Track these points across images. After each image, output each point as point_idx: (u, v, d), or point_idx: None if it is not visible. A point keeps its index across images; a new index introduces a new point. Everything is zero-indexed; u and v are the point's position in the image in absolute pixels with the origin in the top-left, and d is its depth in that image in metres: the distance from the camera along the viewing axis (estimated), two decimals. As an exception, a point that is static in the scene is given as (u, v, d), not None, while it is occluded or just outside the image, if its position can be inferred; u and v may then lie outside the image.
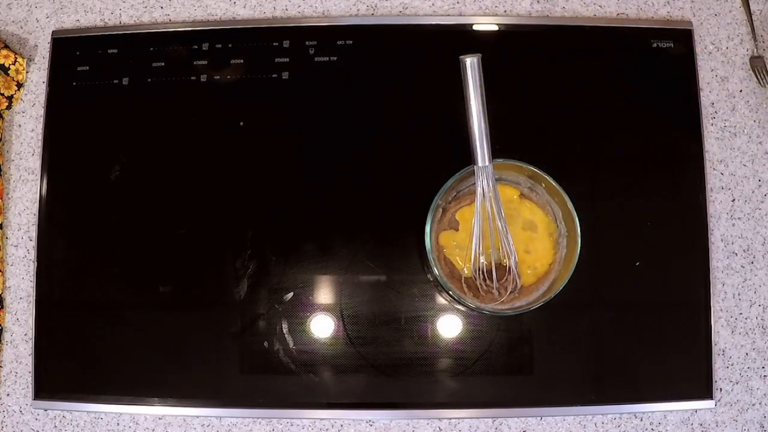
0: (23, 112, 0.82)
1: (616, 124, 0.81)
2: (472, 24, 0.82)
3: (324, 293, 0.78)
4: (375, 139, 0.81)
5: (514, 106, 0.80)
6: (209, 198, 0.80)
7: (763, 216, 0.80)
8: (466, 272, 0.72)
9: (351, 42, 0.82)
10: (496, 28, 0.82)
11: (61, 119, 0.81)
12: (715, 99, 0.82)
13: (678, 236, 0.79)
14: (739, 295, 0.79)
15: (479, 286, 0.71)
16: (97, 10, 0.84)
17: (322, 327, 0.77)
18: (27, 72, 0.82)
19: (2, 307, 0.79)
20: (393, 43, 0.82)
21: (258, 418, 0.76)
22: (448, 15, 0.83)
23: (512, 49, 0.82)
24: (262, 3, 0.84)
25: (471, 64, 0.66)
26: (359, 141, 0.80)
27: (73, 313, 0.78)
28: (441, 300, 0.77)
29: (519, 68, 0.82)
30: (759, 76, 0.82)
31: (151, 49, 0.82)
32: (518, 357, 0.77)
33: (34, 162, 0.81)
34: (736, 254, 0.79)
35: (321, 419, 0.76)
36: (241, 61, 0.81)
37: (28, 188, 0.81)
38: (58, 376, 0.77)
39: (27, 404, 0.77)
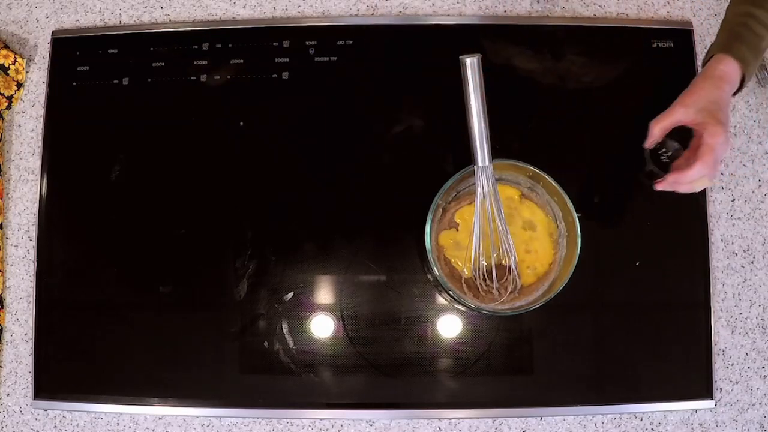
0: (23, 112, 0.82)
1: (616, 124, 0.81)
2: (472, 24, 0.82)
3: (324, 293, 0.78)
4: (375, 139, 0.80)
5: (515, 106, 0.80)
6: (209, 198, 0.80)
7: (763, 216, 0.80)
8: (466, 272, 0.72)
9: (351, 42, 0.82)
10: (496, 28, 0.82)
11: (61, 119, 0.81)
12: (715, 99, 0.82)
13: (678, 236, 0.79)
14: (739, 295, 0.79)
15: (479, 286, 0.71)
16: (97, 10, 0.84)
17: (322, 327, 0.77)
18: (27, 72, 0.82)
19: (2, 307, 0.79)
20: (393, 43, 0.82)
21: (258, 418, 0.76)
22: (448, 15, 0.83)
23: (512, 50, 0.82)
24: (262, 3, 0.84)
25: (471, 64, 0.66)
26: (359, 141, 0.80)
27: (73, 313, 0.78)
28: (441, 300, 0.77)
29: (519, 68, 0.82)
30: (759, 76, 0.81)
31: (151, 49, 0.82)
32: (518, 357, 0.77)
33: (34, 162, 0.81)
34: (736, 254, 0.79)
35: (321, 419, 0.76)
36: (241, 61, 0.81)
37: (28, 188, 0.81)
38: (58, 376, 0.77)
39: (27, 404, 0.77)
